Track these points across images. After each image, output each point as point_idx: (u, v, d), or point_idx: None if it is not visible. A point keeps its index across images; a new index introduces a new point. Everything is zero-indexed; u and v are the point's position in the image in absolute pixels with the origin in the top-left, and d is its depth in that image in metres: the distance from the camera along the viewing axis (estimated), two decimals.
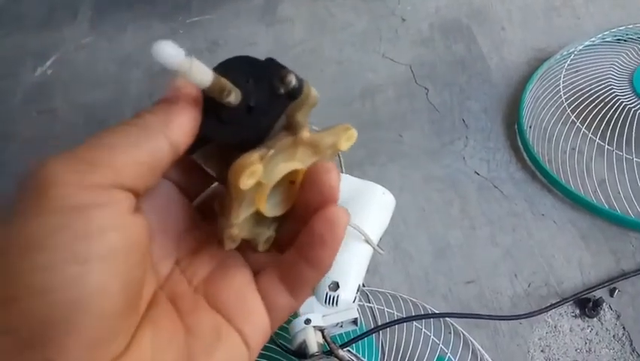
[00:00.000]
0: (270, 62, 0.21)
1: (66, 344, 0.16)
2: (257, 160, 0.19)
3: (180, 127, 0.19)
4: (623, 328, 0.65)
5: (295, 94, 0.20)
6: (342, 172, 0.77)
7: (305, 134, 0.21)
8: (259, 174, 0.19)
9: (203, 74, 0.19)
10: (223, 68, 0.20)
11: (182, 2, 1.19)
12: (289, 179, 0.23)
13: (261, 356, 0.59)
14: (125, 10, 1.20)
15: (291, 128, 0.21)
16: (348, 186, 0.67)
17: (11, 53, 1.18)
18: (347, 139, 0.23)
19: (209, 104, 0.20)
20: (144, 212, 0.20)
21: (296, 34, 1.08)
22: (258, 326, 0.22)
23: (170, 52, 0.17)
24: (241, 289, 0.22)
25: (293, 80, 0.20)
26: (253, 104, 0.20)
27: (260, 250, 0.23)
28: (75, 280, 0.16)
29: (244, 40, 1.08)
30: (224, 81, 0.19)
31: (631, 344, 0.64)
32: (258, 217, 0.22)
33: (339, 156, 0.82)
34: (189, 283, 0.22)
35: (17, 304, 0.16)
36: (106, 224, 0.17)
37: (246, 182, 0.19)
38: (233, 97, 0.20)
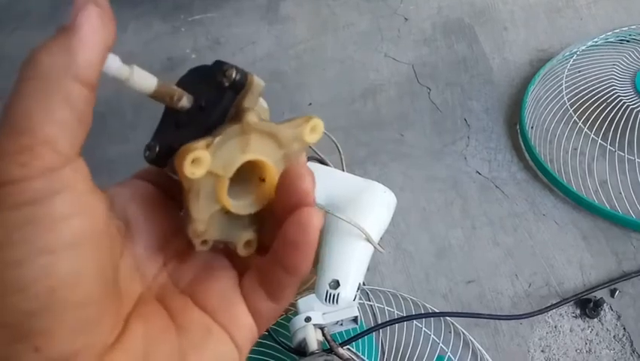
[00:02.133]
0: (217, 63, 0.21)
1: (51, 332, 0.16)
2: (202, 147, 0.19)
3: (89, 62, 0.17)
4: (624, 329, 0.65)
5: (239, 85, 0.21)
6: (343, 171, 0.77)
7: (251, 118, 0.21)
8: (206, 161, 0.19)
9: (145, 81, 0.19)
10: (182, 81, 0.21)
11: (184, 0, 1.19)
12: (257, 175, 0.22)
13: (261, 353, 0.59)
14: (127, 8, 1.20)
15: (239, 116, 0.21)
16: (348, 185, 0.66)
17: (15, 50, 1.18)
18: (312, 130, 0.23)
19: (169, 114, 0.21)
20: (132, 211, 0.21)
21: (298, 33, 1.08)
22: (245, 328, 0.22)
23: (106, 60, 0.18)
24: (226, 293, 0.22)
25: (233, 73, 0.20)
26: (204, 103, 0.21)
27: (241, 255, 0.22)
28: (47, 270, 0.16)
29: (246, 39, 1.08)
30: (172, 87, 0.20)
31: (631, 345, 0.64)
32: (231, 217, 0.22)
33: (340, 155, 0.82)
34: (175, 284, 0.22)
35: (1, 301, 0.16)
36: (68, 211, 0.17)
37: (192, 169, 0.19)
38: (186, 101, 0.21)
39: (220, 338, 0.21)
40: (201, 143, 0.19)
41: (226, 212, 0.21)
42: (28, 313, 0.16)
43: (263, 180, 0.22)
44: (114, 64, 0.18)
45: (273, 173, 0.22)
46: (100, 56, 0.18)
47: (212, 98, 0.21)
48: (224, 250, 0.24)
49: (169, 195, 0.24)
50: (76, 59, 0.17)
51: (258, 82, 0.21)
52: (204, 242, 0.21)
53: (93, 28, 0.17)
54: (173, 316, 0.21)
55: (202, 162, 0.19)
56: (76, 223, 0.17)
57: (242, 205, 0.22)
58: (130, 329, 0.19)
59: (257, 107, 0.22)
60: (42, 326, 0.16)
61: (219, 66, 0.21)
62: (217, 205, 0.21)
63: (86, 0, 0.17)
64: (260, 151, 0.22)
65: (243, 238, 0.22)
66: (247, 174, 0.22)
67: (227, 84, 0.21)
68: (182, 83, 0.21)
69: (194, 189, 0.20)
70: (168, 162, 0.21)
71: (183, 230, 0.21)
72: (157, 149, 0.21)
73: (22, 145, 0.16)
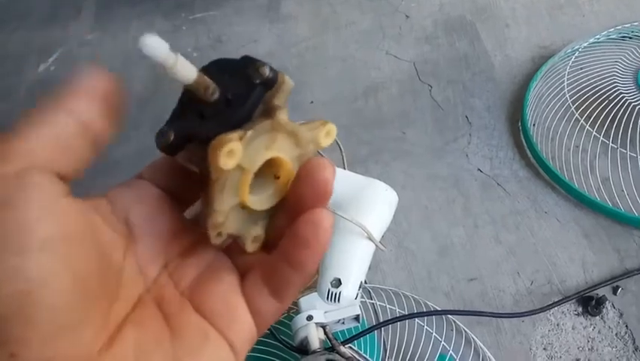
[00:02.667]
0: (246, 58, 0.21)
1: (25, 338, 0.16)
2: (236, 138, 0.19)
3: (81, 101, 0.19)
4: (626, 326, 0.65)
5: (270, 82, 0.21)
6: (344, 169, 0.77)
7: (282, 117, 0.21)
8: (239, 153, 0.19)
9: (187, 71, 0.19)
10: (205, 71, 0.21)
11: None
12: (274, 173, 0.23)
13: (263, 352, 0.59)
14: (128, 7, 1.20)
15: (269, 113, 0.21)
16: (350, 183, 0.67)
17: (15, 49, 1.19)
18: (326, 134, 0.23)
19: (190, 103, 0.21)
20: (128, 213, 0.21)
21: (299, 31, 1.07)
22: (243, 331, 0.22)
23: (156, 45, 0.18)
24: (226, 294, 0.22)
25: (267, 71, 0.20)
26: (231, 97, 0.21)
27: (249, 250, 0.22)
28: (16, 272, 0.16)
29: (247, 38, 1.08)
30: (208, 80, 0.20)
31: (634, 343, 0.64)
32: (245, 213, 0.22)
33: (341, 153, 0.82)
34: (176, 286, 0.22)
35: None
36: (38, 214, 0.17)
37: (226, 160, 0.19)
38: (217, 96, 0.21)
39: (217, 344, 0.21)
40: (235, 135, 0.19)
41: (243, 207, 0.22)
42: (2, 317, 0.16)
43: (278, 177, 0.23)
44: (164, 50, 0.18)
45: (289, 171, 0.22)
46: (92, 97, 0.19)
47: (241, 93, 0.21)
48: (227, 250, 0.24)
49: (171, 195, 0.24)
50: (69, 98, 0.19)
51: (288, 81, 0.21)
52: (219, 234, 0.21)
53: (87, 78, 0.19)
54: (170, 320, 0.21)
55: (235, 154, 0.19)
56: (47, 227, 0.17)
57: (258, 200, 0.22)
58: (122, 334, 0.19)
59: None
60: (16, 331, 0.16)
61: (249, 61, 0.21)
62: (237, 199, 0.21)
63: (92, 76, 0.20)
64: (282, 149, 0.22)
65: (252, 233, 0.22)
66: (264, 171, 0.22)
67: (258, 81, 0.20)
68: (206, 73, 0.21)
69: (222, 180, 0.20)
70: (180, 151, 0.21)
71: (200, 221, 0.21)
72: (172, 136, 0.21)
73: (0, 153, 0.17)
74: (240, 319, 0.21)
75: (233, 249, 0.23)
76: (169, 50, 0.18)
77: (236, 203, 0.21)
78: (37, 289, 0.16)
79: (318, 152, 0.71)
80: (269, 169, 0.22)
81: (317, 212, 0.20)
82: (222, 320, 0.21)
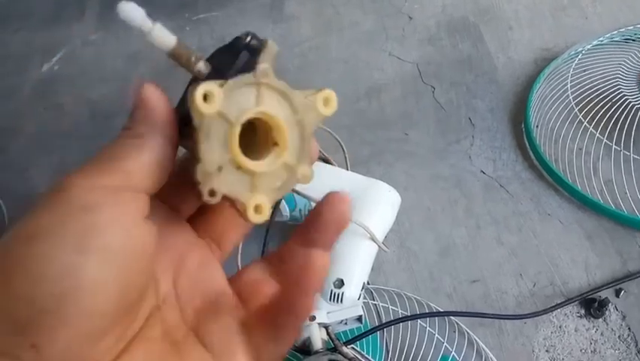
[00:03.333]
0: (236, 38, 0.23)
1: (54, 334, 0.16)
2: (214, 84, 0.20)
3: (168, 123, 0.21)
4: (629, 329, 0.65)
5: (254, 48, 0.22)
6: (347, 170, 0.77)
7: (263, 66, 0.22)
8: (218, 99, 0.20)
9: (165, 37, 0.21)
10: (207, 59, 0.22)
11: None
12: (272, 140, 0.22)
13: None
14: None
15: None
16: (353, 184, 0.67)
17: (19, 48, 1.19)
18: (325, 102, 0.23)
19: (189, 88, 0.22)
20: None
21: (302, 32, 1.08)
22: None
23: (131, 10, 0.20)
24: (226, 334, 0.22)
25: (249, 37, 0.22)
26: (219, 67, 0.22)
27: (252, 220, 0.22)
28: (70, 270, 0.17)
29: None
30: (190, 49, 0.21)
31: (636, 345, 0.64)
32: (244, 177, 0.22)
33: (344, 154, 0.82)
34: (182, 311, 0.22)
35: (12, 288, 0.16)
36: (110, 222, 0.18)
37: (202, 103, 0.20)
38: (202, 66, 0.22)
39: None
40: (214, 82, 0.20)
41: (238, 167, 0.21)
42: (37, 309, 0.16)
43: (276, 144, 0.23)
44: (139, 15, 0.20)
45: (286, 136, 0.22)
46: (172, 118, 0.21)
47: (227, 62, 0.22)
48: (233, 283, 0.24)
49: (172, 207, 0.25)
50: (159, 123, 0.21)
51: (273, 44, 0.22)
52: (212, 193, 0.21)
53: (161, 103, 0.21)
54: (176, 346, 0.21)
55: (213, 97, 0.20)
56: (114, 235, 0.18)
57: (254, 165, 0.22)
58: (132, 350, 0.19)
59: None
60: (47, 325, 0.16)
61: (237, 36, 0.22)
62: (227, 155, 0.21)
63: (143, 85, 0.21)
64: (273, 107, 0.22)
65: (253, 201, 0.22)
66: (263, 138, 0.23)
67: (242, 48, 0.22)
68: (209, 60, 0.22)
69: (205, 127, 0.20)
70: (182, 133, 0.22)
71: (192, 177, 0.21)
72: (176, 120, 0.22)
73: (101, 168, 0.19)
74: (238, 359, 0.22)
75: (239, 286, 0.24)
76: (145, 16, 0.20)
77: (228, 159, 0.21)
78: (85, 290, 0.17)
79: (322, 152, 0.70)
80: (268, 137, 0.23)
81: (313, 254, 0.21)
82: (222, 358, 0.21)
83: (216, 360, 0.21)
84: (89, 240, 0.17)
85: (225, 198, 0.21)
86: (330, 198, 0.22)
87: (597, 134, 0.78)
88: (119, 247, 0.18)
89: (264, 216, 0.22)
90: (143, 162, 0.19)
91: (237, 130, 0.21)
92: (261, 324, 0.22)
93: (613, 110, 0.78)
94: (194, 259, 0.24)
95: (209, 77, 0.22)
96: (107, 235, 0.17)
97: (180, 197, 0.25)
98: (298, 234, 0.22)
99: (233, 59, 0.22)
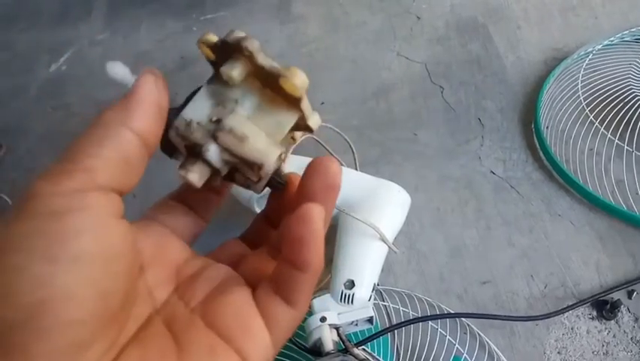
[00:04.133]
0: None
1: (31, 350, 0.16)
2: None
3: (142, 117, 0.20)
4: None
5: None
6: (356, 170, 0.77)
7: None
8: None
9: None
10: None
11: None
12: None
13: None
14: (139, 7, 1.20)
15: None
16: (363, 185, 0.66)
17: (26, 48, 1.19)
18: (293, 76, 0.22)
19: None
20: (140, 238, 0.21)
21: (310, 32, 1.07)
22: (258, 343, 0.21)
23: (118, 70, 0.20)
24: (239, 308, 0.21)
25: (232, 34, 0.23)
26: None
27: (273, 167, 0.23)
28: (42, 280, 0.16)
29: (258, 38, 1.06)
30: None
31: None
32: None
33: (353, 155, 0.82)
34: (186, 305, 0.22)
35: None
36: (81, 227, 0.17)
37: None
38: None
39: (226, 357, 0.20)
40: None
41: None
42: (9, 325, 0.16)
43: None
44: (126, 75, 0.21)
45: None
46: (153, 112, 0.20)
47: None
48: (236, 267, 0.24)
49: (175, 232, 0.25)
50: (132, 113, 0.19)
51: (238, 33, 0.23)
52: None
53: (147, 91, 0.20)
54: (178, 337, 0.20)
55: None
56: (86, 241, 0.17)
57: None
58: (125, 353, 0.19)
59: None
60: (23, 342, 0.16)
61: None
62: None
63: (144, 71, 0.21)
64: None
65: (278, 148, 0.22)
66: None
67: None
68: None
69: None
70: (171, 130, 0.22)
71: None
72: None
73: (63, 169, 0.18)
74: (254, 331, 0.21)
75: (243, 264, 0.24)
76: (129, 73, 0.21)
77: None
78: (59, 300, 0.16)
79: (331, 153, 0.70)
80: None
81: (304, 208, 0.20)
82: (236, 333, 0.21)
83: (231, 338, 0.21)
84: (59, 248, 0.16)
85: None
86: (316, 164, 0.22)
87: (608, 135, 0.78)
88: (89, 253, 0.17)
89: (281, 164, 0.24)
90: (104, 158, 0.18)
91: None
92: (270, 290, 0.21)
93: (624, 110, 0.77)
94: (194, 268, 0.24)
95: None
96: (75, 241, 0.17)
97: (181, 219, 0.26)
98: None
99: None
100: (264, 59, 0.22)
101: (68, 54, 1.15)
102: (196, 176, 0.22)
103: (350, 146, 0.82)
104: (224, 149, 0.22)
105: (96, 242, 0.17)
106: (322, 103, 0.94)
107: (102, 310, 0.17)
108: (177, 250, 0.24)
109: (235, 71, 0.22)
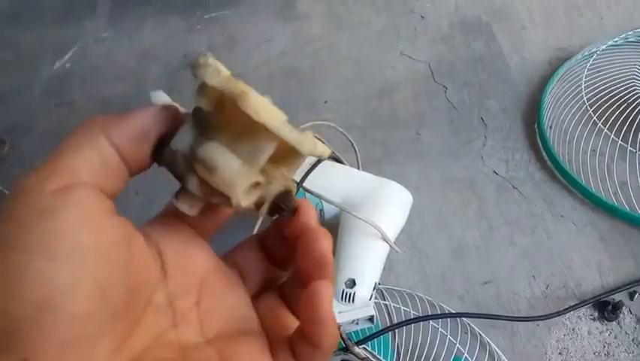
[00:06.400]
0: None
1: (40, 344, 0.16)
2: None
3: (123, 133, 0.20)
4: None
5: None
6: (359, 170, 0.77)
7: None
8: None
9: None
10: None
11: None
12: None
13: None
14: (143, 6, 1.20)
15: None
16: (365, 184, 0.66)
17: (31, 46, 1.19)
18: (244, 100, 0.19)
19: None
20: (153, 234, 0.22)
21: (313, 30, 1.07)
22: None
23: (160, 99, 0.21)
24: (255, 358, 0.22)
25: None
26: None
27: (242, 205, 0.21)
28: (43, 276, 0.16)
29: (261, 37, 1.08)
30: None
31: None
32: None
33: (356, 154, 0.81)
34: (203, 331, 0.22)
35: None
36: (75, 223, 0.17)
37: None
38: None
39: None
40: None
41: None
42: (16, 321, 0.16)
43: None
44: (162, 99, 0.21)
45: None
46: (136, 134, 0.21)
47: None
48: (256, 306, 0.24)
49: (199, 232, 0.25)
50: (115, 127, 0.20)
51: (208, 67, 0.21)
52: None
53: (141, 116, 0.21)
54: None
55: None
56: (81, 236, 0.17)
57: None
58: None
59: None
60: (30, 337, 0.16)
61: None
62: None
63: (159, 104, 0.22)
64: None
65: (248, 178, 0.20)
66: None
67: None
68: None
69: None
70: (162, 160, 0.22)
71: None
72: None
73: (49, 167, 0.18)
74: None
75: (263, 311, 0.24)
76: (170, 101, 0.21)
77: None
78: (59, 295, 0.16)
79: (334, 152, 0.69)
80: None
81: (313, 288, 0.21)
82: None
83: None
84: (54, 244, 0.17)
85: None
86: (305, 245, 0.22)
87: (612, 136, 0.78)
88: (87, 247, 0.17)
89: (252, 199, 0.22)
90: (84, 158, 0.19)
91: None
92: (290, 356, 0.22)
93: (628, 111, 0.77)
94: (219, 281, 0.24)
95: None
96: (68, 236, 0.17)
97: (204, 220, 0.24)
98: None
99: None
100: (217, 82, 0.20)
101: (72, 52, 1.15)
102: (186, 206, 0.22)
103: (353, 145, 0.82)
104: (202, 180, 0.21)
105: (89, 236, 0.18)
106: (325, 102, 0.94)
107: (103, 304, 0.18)
108: (202, 259, 0.24)
109: (202, 100, 0.21)
